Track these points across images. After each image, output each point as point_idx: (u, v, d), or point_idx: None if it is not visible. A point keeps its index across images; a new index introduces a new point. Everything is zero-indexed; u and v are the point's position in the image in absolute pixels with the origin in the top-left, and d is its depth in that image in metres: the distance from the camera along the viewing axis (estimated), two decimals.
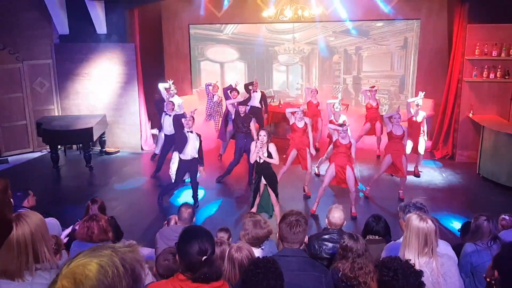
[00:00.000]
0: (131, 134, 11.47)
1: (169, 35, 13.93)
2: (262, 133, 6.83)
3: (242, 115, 9.15)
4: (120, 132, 11.55)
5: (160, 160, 9.74)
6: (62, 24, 11.18)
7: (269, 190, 7.01)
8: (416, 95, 12.72)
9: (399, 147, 8.35)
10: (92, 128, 10.24)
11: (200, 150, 8.01)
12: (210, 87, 11.48)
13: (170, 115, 9.38)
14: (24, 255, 2.27)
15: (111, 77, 11.28)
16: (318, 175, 9.62)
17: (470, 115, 10.03)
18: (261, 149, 6.75)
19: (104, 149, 11.48)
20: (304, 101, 11.51)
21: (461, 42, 10.17)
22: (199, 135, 8.04)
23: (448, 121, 10.65)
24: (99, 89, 11.37)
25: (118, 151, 11.56)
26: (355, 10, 12.43)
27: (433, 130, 11.30)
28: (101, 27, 11.05)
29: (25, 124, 11.48)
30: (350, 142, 7.73)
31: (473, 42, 9.88)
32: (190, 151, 7.92)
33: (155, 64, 12.97)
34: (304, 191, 8.74)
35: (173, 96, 10.17)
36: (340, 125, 8.02)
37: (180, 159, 8.00)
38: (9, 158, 11.04)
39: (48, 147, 10.71)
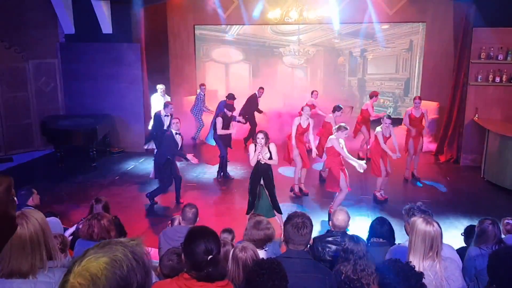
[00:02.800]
0: (136, 134, 11.50)
1: (174, 35, 13.96)
2: (260, 135, 6.73)
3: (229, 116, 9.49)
4: (124, 132, 11.58)
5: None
6: (68, 24, 11.23)
7: (266, 191, 6.97)
8: (421, 96, 12.74)
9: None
10: (96, 128, 10.28)
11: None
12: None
13: (168, 116, 9.48)
14: (38, 252, 2.29)
15: (116, 77, 11.32)
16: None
17: (475, 118, 10.00)
18: (261, 152, 6.73)
19: (108, 149, 11.50)
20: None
21: (466, 45, 10.15)
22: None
23: (453, 125, 10.62)
24: (104, 89, 11.40)
25: (122, 151, 11.59)
26: (360, 12, 12.43)
27: (438, 133, 11.28)
28: (106, 27, 11.09)
29: (30, 123, 11.52)
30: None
31: (479, 45, 9.87)
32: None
33: (160, 64, 12.98)
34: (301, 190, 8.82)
35: (164, 95, 10.57)
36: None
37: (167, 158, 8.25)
38: (14, 157, 11.07)
39: (52, 146, 10.75)
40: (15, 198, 1.77)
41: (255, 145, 6.74)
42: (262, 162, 6.78)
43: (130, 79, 11.30)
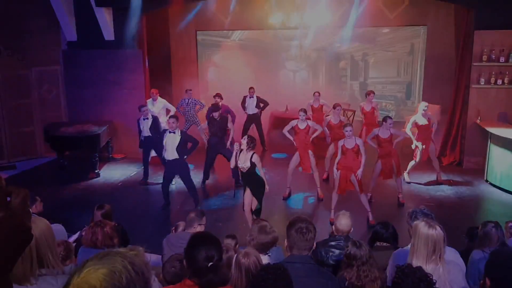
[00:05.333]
0: (138, 140, 11.49)
1: (177, 41, 13.99)
2: (243, 140, 6.80)
3: (217, 119, 9.09)
4: (126, 138, 11.58)
5: (144, 164, 9.89)
6: (70, 31, 11.28)
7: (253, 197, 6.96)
8: (423, 99, 12.72)
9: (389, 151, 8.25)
10: (99, 134, 10.30)
11: (180, 146, 7.90)
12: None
13: (147, 119, 9.49)
14: (28, 261, 2.27)
15: (118, 84, 11.34)
16: (326, 179, 9.61)
17: (478, 121, 9.98)
18: (238, 155, 6.78)
19: (111, 155, 11.52)
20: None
21: (468, 48, 10.14)
22: (183, 133, 8.09)
23: (455, 128, 10.60)
24: (106, 95, 11.42)
25: (124, 157, 11.61)
26: (361, 16, 12.44)
27: (441, 136, 11.25)
28: (109, 33, 11.13)
29: (33, 130, 11.56)
30: (356, 144, 7.43)
31: (481, 48, 9.84)
32: (171, 151, 7.90)
33: (162, 70, 13.01)
34: (317, 194, 8.74)
35: (156, 100, 10.55)
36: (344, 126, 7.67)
37: (167, 160, 8.08)
38: (17, 164, 11.11)
39: (55, 153, 10.77)
40: (30, 210, 1.78)
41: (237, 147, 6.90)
42: (244, 170, 6.79)
43: (133, 85, 11.32)
